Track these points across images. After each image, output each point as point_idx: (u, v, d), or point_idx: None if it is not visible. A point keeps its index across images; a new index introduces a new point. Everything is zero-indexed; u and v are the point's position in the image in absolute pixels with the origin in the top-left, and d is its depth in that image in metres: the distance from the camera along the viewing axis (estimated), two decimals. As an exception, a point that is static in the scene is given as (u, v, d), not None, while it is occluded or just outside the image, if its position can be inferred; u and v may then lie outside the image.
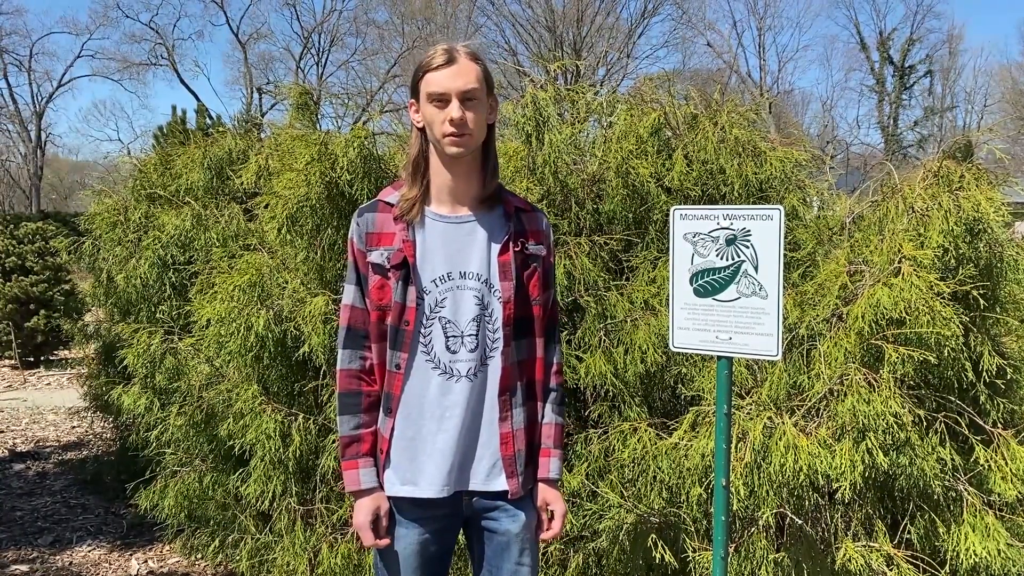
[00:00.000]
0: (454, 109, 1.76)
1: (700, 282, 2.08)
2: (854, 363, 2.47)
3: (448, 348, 1.83)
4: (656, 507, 2.62)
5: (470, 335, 1.83)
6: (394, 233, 1.84)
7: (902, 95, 38.28)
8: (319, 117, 3.66)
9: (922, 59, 38.42)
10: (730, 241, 2.02)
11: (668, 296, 2.14)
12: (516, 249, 1.87)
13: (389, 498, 1.88)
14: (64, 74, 40.28)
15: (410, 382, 1.84)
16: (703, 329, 2.08)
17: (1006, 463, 2.53)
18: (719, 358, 2.10)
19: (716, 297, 2.06)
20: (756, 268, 2.00)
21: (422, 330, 1.83)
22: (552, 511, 1.94)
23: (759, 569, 2.53)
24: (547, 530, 1.95)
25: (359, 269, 1.87)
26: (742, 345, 2.04)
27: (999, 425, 2.62)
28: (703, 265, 2.07)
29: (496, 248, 1.86)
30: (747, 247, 2.00)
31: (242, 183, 3.60)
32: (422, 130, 1.85)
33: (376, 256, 1.83)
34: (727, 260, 2.03)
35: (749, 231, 1.99)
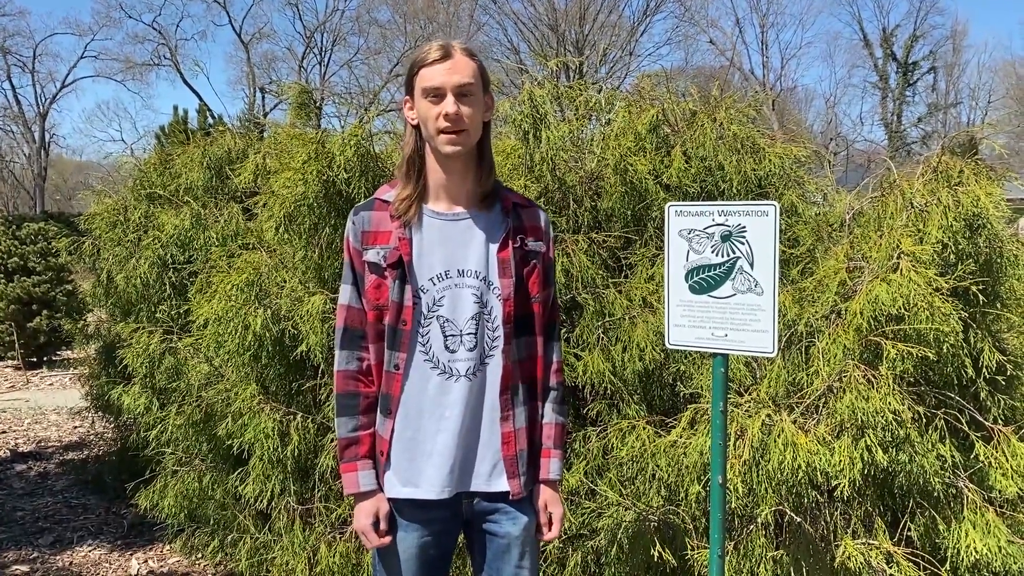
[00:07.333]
0: (449, 104, 1.74)
1: (695, 279, 2.06)
2: (853, 360, 2.46)
3: (447, 347, 1.81)
4: (655, 505, 2.61)
5: (469, 334, 1.81)
6: (391, 231, 1.81)
7: (906, 91, 38.22)
8: (322, 116, 3.65)
9: (926, 55, 38.39)
10: (725, 237, 2.01)
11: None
12: (515, 245, 1.84)
13: (389, 500, 1.86)
14: (67, 75, 40.47)
15: (409, 382, 1.82)
16: (699, 326, 2.07)
17: (1006, 459, 2.51)
18: (715, 355, 2.08)
19: (712, 294, 2.04)
20: (752, 265, 1.98)
21: (420, 329, 1.81)
22: (551, 514, 1.93)
23: (758, 567, 2.52)
24: (545, 533, 1.94)
25: (355, 268, 1.84)
26: (738, 342, 2.02)
27: (999, 422, 2.61)
28: (698, 262, 2.05)
29: (495, 245, 1.83)
30: (742, 243, 1.99)
31: (241, 182, 3.60)
32: (416, 127, 1.83)
33: (372, 255, 1.81)
34: (722, 257, 2.02)
35: (744, 227, 1.98)
